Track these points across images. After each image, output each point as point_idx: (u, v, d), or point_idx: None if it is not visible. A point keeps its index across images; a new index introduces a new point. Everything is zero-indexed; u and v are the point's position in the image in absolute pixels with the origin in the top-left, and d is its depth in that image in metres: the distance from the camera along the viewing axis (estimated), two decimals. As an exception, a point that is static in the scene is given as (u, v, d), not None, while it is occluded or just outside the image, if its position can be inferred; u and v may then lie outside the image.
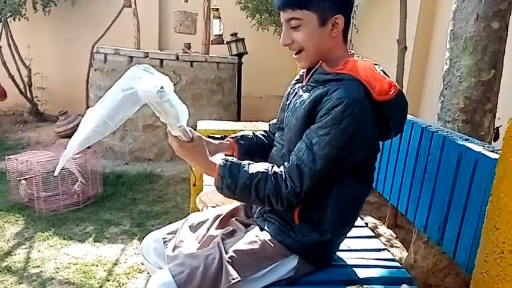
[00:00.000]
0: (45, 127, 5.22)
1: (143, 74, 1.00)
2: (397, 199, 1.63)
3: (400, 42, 2.82)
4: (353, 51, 1.20)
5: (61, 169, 3.23)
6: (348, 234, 1.30)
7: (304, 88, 1.20)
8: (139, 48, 4.46)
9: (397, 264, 1.35)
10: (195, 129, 3.36)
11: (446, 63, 1.96)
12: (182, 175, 3.77)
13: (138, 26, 4.60)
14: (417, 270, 2.05)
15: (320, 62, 1.15)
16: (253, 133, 1.44)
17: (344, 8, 1.12)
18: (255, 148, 1.39)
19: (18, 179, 3.04)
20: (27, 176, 3.02)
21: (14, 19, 4.99)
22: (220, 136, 3.09)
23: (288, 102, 1.26)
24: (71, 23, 5.59)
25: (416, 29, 3.37)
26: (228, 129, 3.13)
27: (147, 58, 4.03)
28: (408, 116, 1.66)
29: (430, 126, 1.49)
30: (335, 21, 1.11)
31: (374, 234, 1.59)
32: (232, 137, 1.40)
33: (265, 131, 1.46)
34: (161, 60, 4.04)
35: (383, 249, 1.45)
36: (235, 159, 1.14)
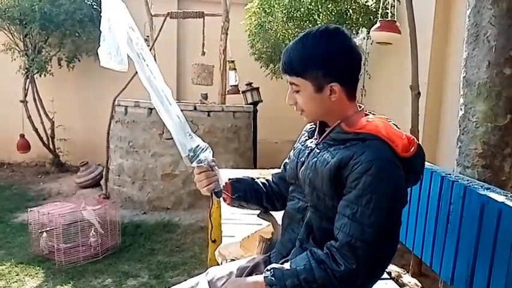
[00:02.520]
0: (66, 178, 5.33)
1: None
2: (421, 250, 1.59)
3: (413, 88, 2.86)
4: (362, 106, 1.19)
5: (81, 220, 3.22)
6: (373, 288, 1.26)
7: (320, 146, 1.18)
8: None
9: (425, 319, 1.30)
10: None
11: (461, 109, 1.97)
12: (200, 224, 3.76)
13: (157, 79, 4.78)
14: (446, 323, 1.95)
15: (339, 121, 1.14)
16: (253, 178, 1.41)
17: (340, 76, 1.10)
18: (250, 192, 1.36)
19: (39, 231, 3.08)
20: (48, 228, 3.05)
21: (40, 75, 5.26)
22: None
23: (303, 159, 1.21)
24: (94, 77, 5.84)
25: (428, 75, 3.41)
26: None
27: (165, 109, 4.15)
28: (427, 164, 1.66)
29: (450, 174, 1.48)
30: (332, 88, 1.10)
31: (398, 287, 1.54)
32: (229, 179, 1.37)
33: (267, 180, 1.43)
34: (180, 111, 4.14)
35: (410, 303, 1.40)
36: (277, 265, 1.12)
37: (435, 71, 3.41)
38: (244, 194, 1.36)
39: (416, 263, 2.82)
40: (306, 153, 1.22)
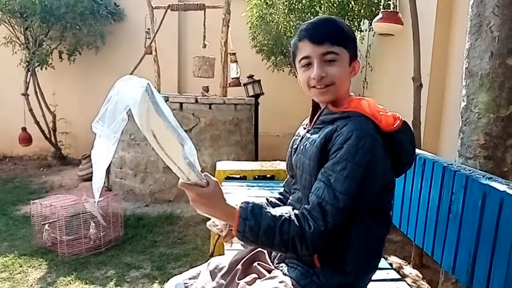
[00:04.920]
0: (68, 170, 5.34)
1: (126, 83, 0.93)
2: (422, 240, 1.59)
3: (415, 79, 2.85)
4: (352, 94, 1.25)
5: (83, 212, 3.19)
6: (374, 277, 1.26)
7: (311, 131, 1.22)
8: (159, 93, 4.61)
9: (426, 308, 1.31)
10: (214, 170, 3.34)
11: (463, 100, 1.97)
12: (202, 216, 3.77)
13: (158, 72, 4.79)
14: (447, 313, 1.96)
15: (326, 104, 1.19)
16: (267, 199, 1.42)
17: (357, 57, 1.21)
18: None
19: (42, 223, 3.09)
20: (51, 220, 3.07)
21: (41, 68, 5.26)
22: (239, 176, 3.12)
23: (296, 146, 1.28)
24: (95, 70, 5.85)
25: (431, 66, 3.40)
26: (247, 169, 3.16)
27: (167, 102, 4.14)
28: (428, 155, 1.66)
29: (452, 164, 1.48)
30: (354, 65, 1.19)
31: (400, 277, 1.54)
32: None
33: (280, 193, 1.46)
34: (181, 103, 4.15)
35: (411, 293, 1.40)
36: (256, 201, 1.13)
37: (437, 62, 3.40)
38: None
39: (417, 255, 2.84)
40: (298, 140, 1.27)
